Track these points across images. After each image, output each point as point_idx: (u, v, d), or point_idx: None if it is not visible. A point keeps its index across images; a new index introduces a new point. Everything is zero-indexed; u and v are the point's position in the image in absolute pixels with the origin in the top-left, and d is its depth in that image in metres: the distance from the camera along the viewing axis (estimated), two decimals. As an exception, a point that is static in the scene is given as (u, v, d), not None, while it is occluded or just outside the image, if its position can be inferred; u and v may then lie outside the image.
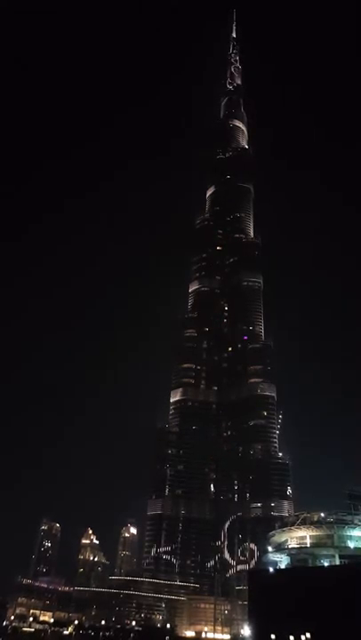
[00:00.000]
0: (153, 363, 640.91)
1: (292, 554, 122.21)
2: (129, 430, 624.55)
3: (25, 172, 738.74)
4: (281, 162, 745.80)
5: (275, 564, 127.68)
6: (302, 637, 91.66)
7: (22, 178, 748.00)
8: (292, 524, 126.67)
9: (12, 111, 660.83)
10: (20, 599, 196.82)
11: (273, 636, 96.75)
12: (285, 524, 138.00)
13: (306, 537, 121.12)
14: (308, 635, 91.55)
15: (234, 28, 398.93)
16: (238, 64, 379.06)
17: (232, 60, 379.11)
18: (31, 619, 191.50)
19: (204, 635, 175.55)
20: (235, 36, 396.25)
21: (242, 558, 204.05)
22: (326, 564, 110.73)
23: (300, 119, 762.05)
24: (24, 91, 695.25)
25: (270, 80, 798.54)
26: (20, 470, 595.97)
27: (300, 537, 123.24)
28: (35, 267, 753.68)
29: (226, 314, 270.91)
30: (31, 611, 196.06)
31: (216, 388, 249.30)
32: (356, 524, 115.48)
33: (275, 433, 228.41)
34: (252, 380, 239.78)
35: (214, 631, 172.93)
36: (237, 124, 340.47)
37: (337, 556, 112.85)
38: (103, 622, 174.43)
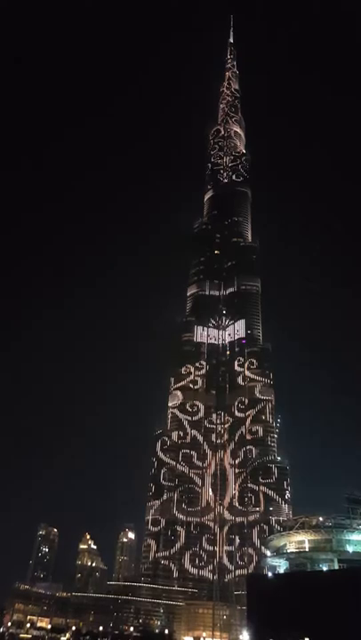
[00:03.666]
0: (152, 366, 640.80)
1: (291, 558, 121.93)
2: (127, 434, 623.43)
3: (19, 173, 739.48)
4: (278, 166, 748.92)
5: (273, 568, 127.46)
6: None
7: (19, 174, 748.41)
8: (291, 529, 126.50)
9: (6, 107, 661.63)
10: (17, 605, 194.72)
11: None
12: (284, 528, 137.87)
13: (304, 541, 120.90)
14: (306, 639, 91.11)
15: (231, 33, 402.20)
16: (236, 69, 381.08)
17: (229, 65, 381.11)
18: (28, 625, 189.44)
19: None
20: (232, 41, 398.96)
21: (240, 563, 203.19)
22: (325, 569, 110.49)
23: (300, 121, 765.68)
24: (19, 89, 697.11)
25: (269, 85, 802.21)
26: (18, 475, 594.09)
27: (298, 541, 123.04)
28: (36, 273, 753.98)
29: (224, 317, 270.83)
30: (28, 617, 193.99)
31: (214, 392, 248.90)
32: (354, 529, 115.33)
33: (273, 436, 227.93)
34: (251, 384, 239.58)
35: (213, 636, 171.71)
36: (235, 129, 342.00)
37: (336, 561, 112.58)
38: (101, 628, 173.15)
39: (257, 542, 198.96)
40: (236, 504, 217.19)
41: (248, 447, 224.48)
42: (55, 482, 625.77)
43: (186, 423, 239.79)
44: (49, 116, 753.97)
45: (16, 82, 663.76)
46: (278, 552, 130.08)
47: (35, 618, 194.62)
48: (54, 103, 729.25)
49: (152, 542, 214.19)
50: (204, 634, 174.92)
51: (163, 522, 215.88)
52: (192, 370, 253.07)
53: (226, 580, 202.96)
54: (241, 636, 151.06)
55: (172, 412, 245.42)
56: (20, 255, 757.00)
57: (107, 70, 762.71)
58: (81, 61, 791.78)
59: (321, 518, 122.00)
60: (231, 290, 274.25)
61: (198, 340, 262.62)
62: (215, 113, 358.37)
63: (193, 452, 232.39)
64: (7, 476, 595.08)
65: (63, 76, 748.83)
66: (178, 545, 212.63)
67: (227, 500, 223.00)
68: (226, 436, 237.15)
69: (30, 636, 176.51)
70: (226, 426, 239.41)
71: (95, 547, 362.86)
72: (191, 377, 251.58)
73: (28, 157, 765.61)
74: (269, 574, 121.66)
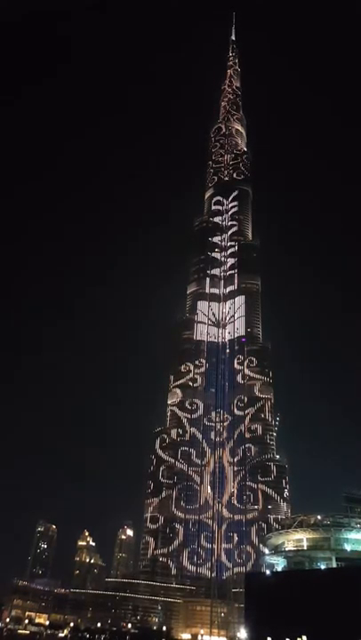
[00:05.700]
0: (152, 364, 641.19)
1: (289, 556, 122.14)
2: (126, 431, 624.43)
3: (18, 177, 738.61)
4: (280, 164, 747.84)
5: (271, 566, 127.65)
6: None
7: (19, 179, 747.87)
8: (289, 527, 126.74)
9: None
10: (15, 601, 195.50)
11: (269, 639, 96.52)
12: (282, 526, 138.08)
13: (303, 539, 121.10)
14: (304, 637, 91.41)
15: (233, 30, 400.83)
16: (237, 66, 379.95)
17: (231, 63, 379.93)
18: (27, 621, 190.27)
19: (200, 637, 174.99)
20: (234, 38, 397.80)
21: (238, 561, 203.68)
22: (323, 567, 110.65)
23: (301, 120, 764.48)
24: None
25: (270, 83, 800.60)
26: (17, 472, 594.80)
27: (296, 539, 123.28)
28: (36, 272, 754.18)
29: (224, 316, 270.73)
30: (27, 613, 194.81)
31: (214, 390, 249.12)
32: (352, 527, 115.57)
33: (272, 435, 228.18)
34: (250, 382, 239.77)
35: (210, 634, 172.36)
36: (236, 127, 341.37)
37: (334, 559, 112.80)
38: (99, 625, 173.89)
39: (255, 540, 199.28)
40: (235, 502, 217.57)
41: (247, 445, 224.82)
42: (54, 479, 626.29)
43: (185, 421, 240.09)
44: (49, 116, 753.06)
45: (15, 83, 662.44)
46: (276, 550, 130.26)
47: (33, 614, 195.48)
48: (53, 102, 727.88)
49: (150, 539, 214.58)
50: (201, 631, 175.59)
51: (161, 519, 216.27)
52: (192, 368, 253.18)
53: (224, 577, 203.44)
54: (239, 634, 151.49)
55: (171, 410, 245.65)
56: (20, 255, 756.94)
57: (107, 70, 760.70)
58: (82, 61, 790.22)
59: (319, 517, 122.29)
60: (231, 288, 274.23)
61: (198, 338, 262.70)
62: (217, 110, 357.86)
63: (192, 450, 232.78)
64: (7, 472, 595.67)
65: (63, 76, 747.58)
66: (176, 542, 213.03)
67: (225, 497, 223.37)
68: (225, 434, 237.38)
69: (28, 632, 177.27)
70: (225, 424, 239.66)
71: (94, 543, 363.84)
72: (191, 375, 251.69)
73: (28, 159, 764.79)
74: (267, 572, 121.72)
